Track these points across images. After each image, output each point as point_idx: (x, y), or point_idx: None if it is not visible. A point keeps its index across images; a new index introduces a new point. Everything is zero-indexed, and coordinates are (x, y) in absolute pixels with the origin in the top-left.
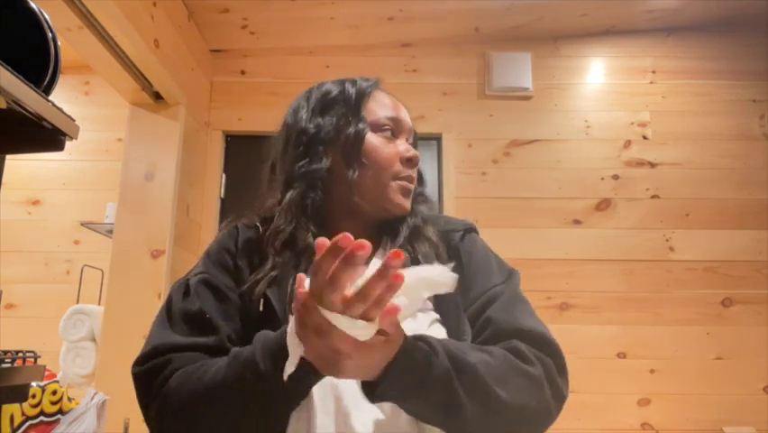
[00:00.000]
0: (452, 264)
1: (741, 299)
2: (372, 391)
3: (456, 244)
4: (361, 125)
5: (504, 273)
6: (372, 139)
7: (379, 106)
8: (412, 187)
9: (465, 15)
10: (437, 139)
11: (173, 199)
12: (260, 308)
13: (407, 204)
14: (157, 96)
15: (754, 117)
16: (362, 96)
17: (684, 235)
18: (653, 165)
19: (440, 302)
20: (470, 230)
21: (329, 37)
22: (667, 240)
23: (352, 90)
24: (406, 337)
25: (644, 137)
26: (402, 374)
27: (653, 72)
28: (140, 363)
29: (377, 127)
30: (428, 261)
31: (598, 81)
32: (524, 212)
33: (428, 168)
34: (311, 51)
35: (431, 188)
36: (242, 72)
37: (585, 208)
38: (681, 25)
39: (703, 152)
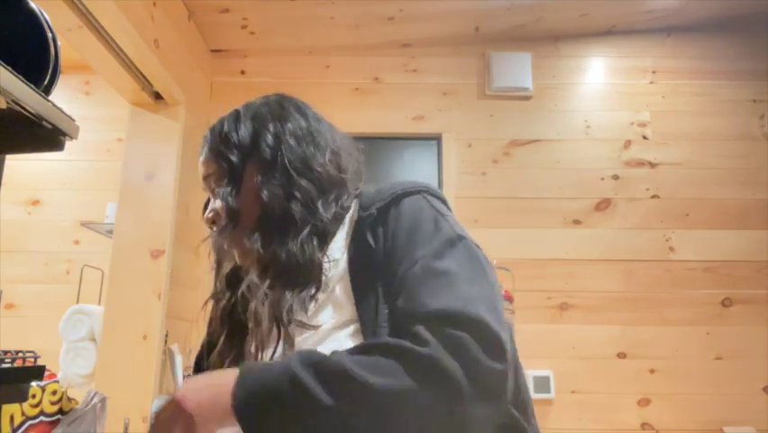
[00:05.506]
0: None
1: (741, 299)
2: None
3: (372, 225)
4: None
5: (432, 242)
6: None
7: None
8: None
9: (465, 15)
10: (437, 139)
11: (173, 199)
12: None
13: (230, 248)
14: (157, 96)
15: (754, 117)
16: None
17: (684, 235)
18: (653, 165)
19: (361, 307)
20: (399, 197)
21: (329, 37)
22: (667, 240)
23: None
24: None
25: (644, 137)
26: (251, 396)
27: (653, 72)
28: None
29: None
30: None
31: (599, 81)
32: (524, 212)
33: (428, 168)
34: (311, 51)
35: None
36: (242, 72)
37: (585, 208)
38: (680, 25)
39: (703, 152)
